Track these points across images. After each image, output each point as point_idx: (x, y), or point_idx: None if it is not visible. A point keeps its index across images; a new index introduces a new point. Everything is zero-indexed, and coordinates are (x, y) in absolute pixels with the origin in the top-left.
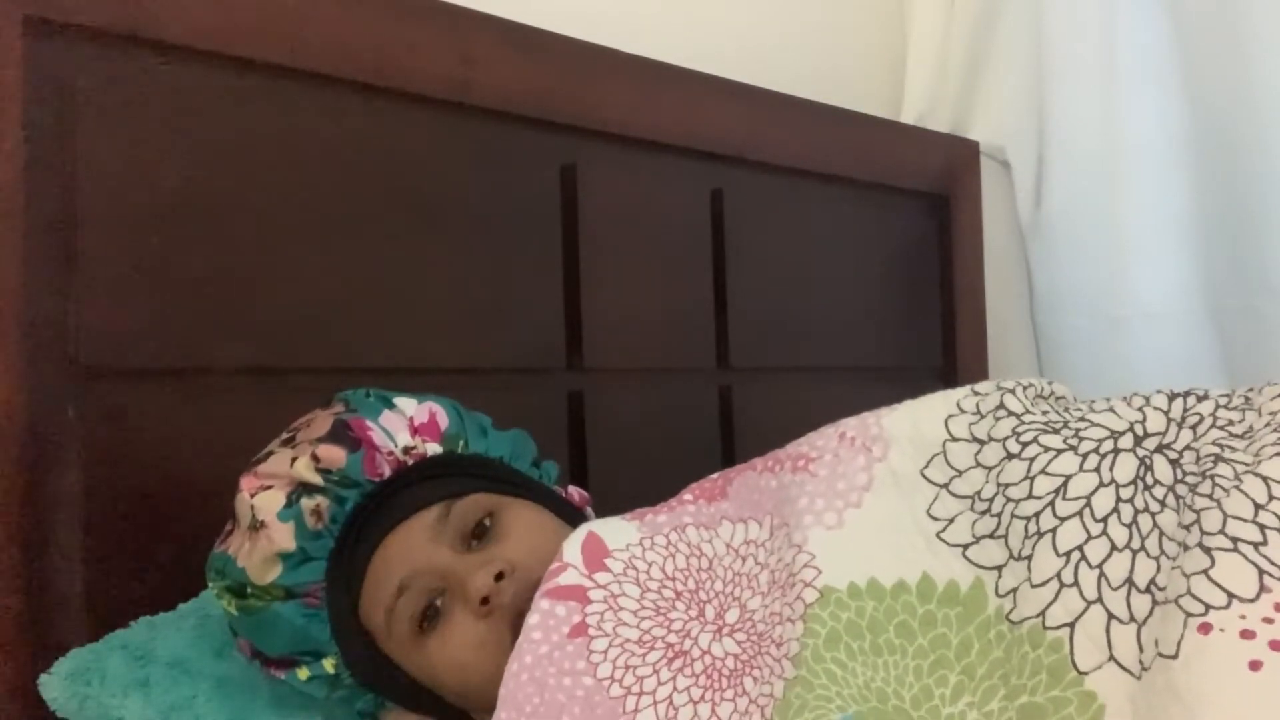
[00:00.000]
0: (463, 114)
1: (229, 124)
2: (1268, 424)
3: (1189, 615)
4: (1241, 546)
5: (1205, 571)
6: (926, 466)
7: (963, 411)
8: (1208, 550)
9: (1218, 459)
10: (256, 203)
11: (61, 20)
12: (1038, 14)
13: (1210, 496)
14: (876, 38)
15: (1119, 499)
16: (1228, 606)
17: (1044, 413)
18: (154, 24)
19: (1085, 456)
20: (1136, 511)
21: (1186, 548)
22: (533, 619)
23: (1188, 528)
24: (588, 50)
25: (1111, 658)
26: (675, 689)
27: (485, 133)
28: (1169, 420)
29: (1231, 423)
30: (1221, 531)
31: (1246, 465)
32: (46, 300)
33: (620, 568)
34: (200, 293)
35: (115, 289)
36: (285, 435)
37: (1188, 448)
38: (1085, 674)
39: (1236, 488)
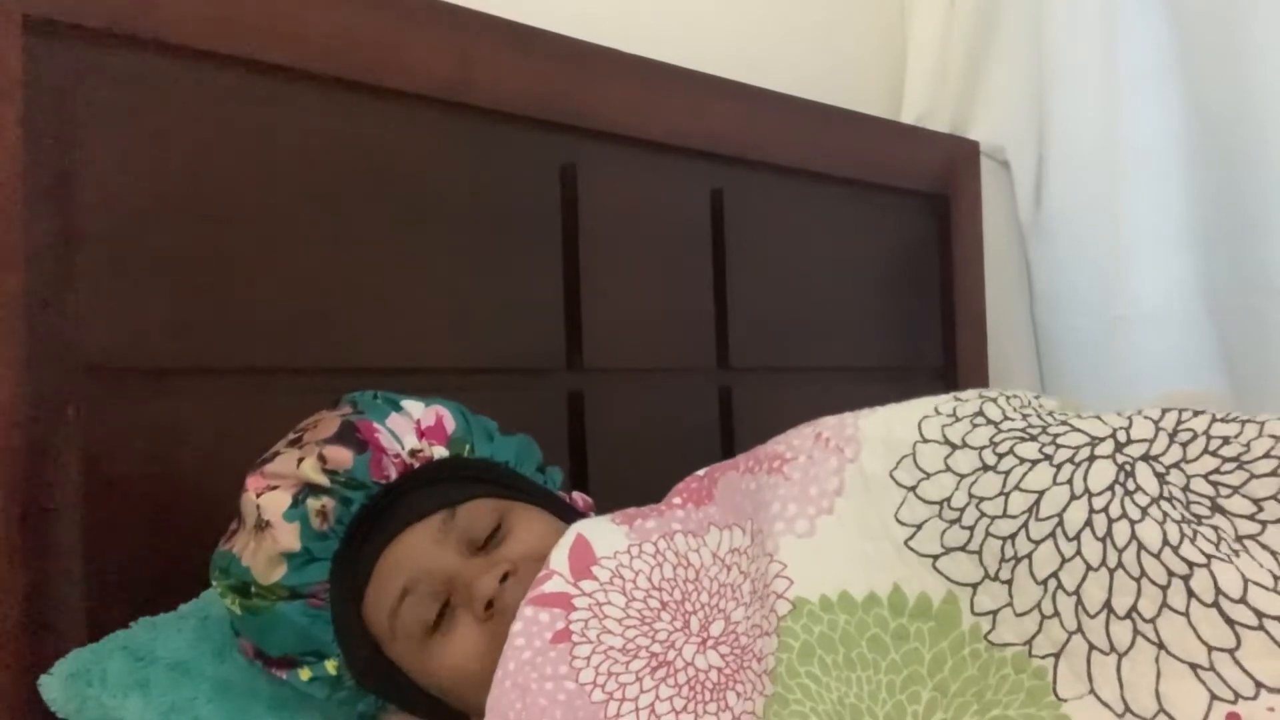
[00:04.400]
0: (463, 114)
1: (229, 124)
2: (1267, 452)
3: (1215, 698)
4: (1268, 624)
5: (1231, 652)
6: (895, 468)
7: (939, 414)
8: (1230, 622)
9: (1214, 506)
10: (256, 203)
11: (61, 20)
12: (1038, 14)
13: (1217, 547)
14: (876, 38)
15: (1091, 510)
16: (1255, 697)
17: (1024, 417)
18: (154, 24)
19: (1059, 467)
20: (1111, 521)
21: (1192, 594)
22: (516, 626)
23: (1191, 566)
24: (588, 50)
25: (1091, 691)
26: (658, 698)
27: (485, 133)
28: (1158, 429)
29: (1226, 440)
30: (1243, 600)
31: (1247, 518)
32: (46, 300)
33: (607, 576)
34: (200, 293)
35: (115, 289)
36: (292, 436)
37: (1176, 467)
38: (1064, 700)
39: (1246, 550)
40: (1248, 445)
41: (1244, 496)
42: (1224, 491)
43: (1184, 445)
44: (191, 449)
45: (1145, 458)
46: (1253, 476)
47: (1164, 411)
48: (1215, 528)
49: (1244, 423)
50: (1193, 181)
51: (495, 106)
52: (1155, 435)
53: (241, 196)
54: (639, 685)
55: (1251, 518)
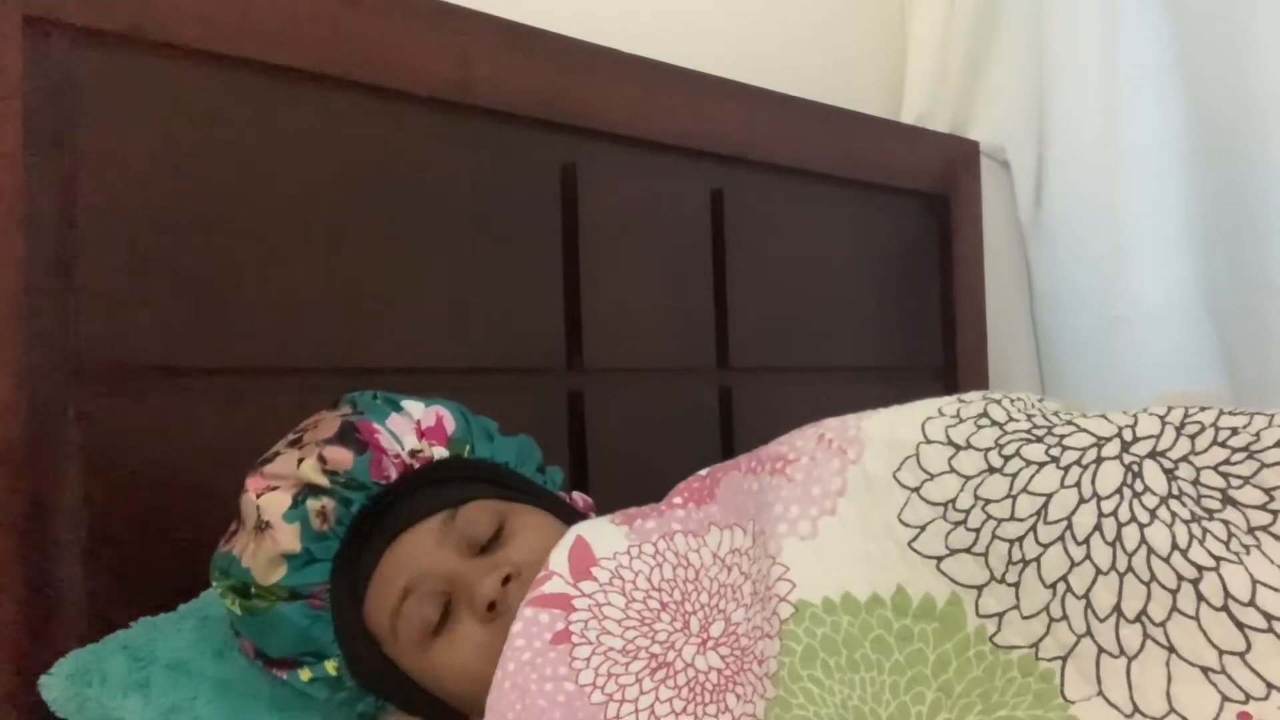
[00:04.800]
0: (463, 114)
1: (229, 124)
2: (1277, 441)
3: (1226, 699)
4: (1276, 626)
5: (1241, 655)
6: (899, 469)
7: (942, 415)
8: (1240, 625)
9: (1225, 498)
10: (256, 203)
11: (61, 20)
12: (1038, 14)
13: (1228, 545)
14: (876, 38)
15: (1100, 514)
16: (1266, 698)
17: (1029, 417)
18: (154, 24)
19: (1067, 470)
20: (1120, 525)
21: (1202, 598)
22: (516, 627)
23: (1200, 570)
24: (588, 50)
25: (1100, 692)
26: (657, 699)
27: (485, 133)
28: (1164, 424)
29: (1235, 431)
30: (1252, 603)
31: (1259, 508)
32: (46, 300)
33: (606, 577)
34: (200, 293)
35: (115, 289)
36: (292, 436)
37: (1185, 460)
38: (1072, 702)
39: (1257, 547)
40: (1257, 435)
41: (1255, 486)
42: (1235, 482)
43: (1192, 438)
44: (191, 449)
45: (1153, 454)
46: (1264, 466)
47: (1170, 408)
48: (1226, 522)
49: (1253, 415)
50: (1193, 181)
51: (495, 107)
52: (1162, 430)
53: (241, 196)
54: (639, 686)
55: (1263, 507)
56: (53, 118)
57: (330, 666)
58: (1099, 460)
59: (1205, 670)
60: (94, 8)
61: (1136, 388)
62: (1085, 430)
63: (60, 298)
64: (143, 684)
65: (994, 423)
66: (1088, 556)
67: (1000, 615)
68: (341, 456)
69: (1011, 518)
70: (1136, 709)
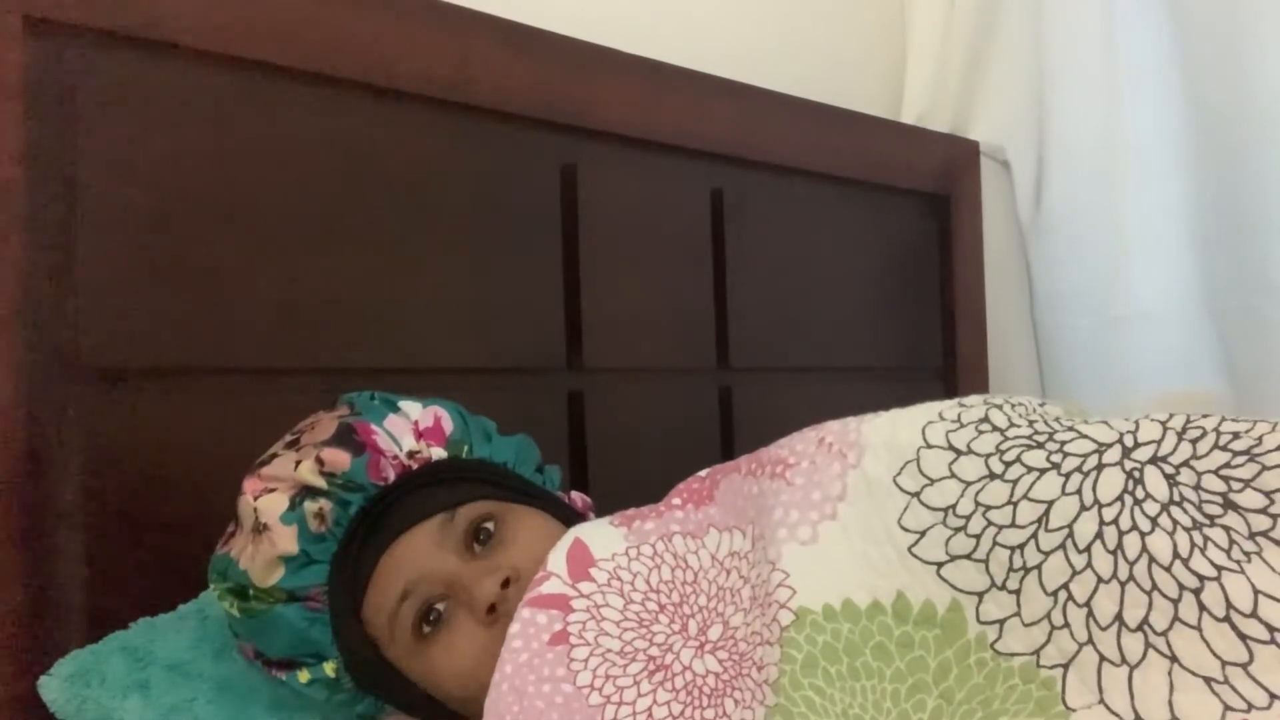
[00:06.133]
0: (463, 114)
1: (229, 124)
2: (1279, 446)
3: (1229, 708)
4: (1279, 638)
5: (1244, 666)
6: (899, 474)
7: (943, 419)
8: (1242, 637)
9: (1226, 502)
10: (256, 202)
11: (61, 20)
12: (1038, 14)
13: (1229, 553)
14: (876, 38)
15: (1101, 522)
16: (1269, 707)
17: (1030, 423)
18: (154, 24)
19: (1068, 477)
20: (1121, 534)
21: (1204, 608)
22: (514, 628)
23: (1202, 579)
24: (588, 50)
25: (1101, 700)
26: (655, 702)
27: (485, 133)
28: (1165, 429)
29: (1236, 436)
30: (1254, 614)
31: (1260, 512)
32: (46, 300)
33: (605, 578)
34: (200, 293)
35: (115, 289)
36: (289, 438)
37: (1186, 465)
38: (1073, 710)
39: (1258, 554)
40: (1259, 439)
41: (1256, 490)
42: (1236, 485)
43: (1193, 442)
44: (191, 449)
45: (1154, 460)
46: (1265, 469)
47: (1171, 414)
48: (1227, 528)
49: (1255, 421)
50: (1193, 181)
51: (495, 106)
52: (1163, 435)
53: (241, 196)
54: (636, 689)
55: (1264, 511)
56: (53, 118)
57: (329, 668)
58: (1100, 467)
59: (1208, 680)
60: (94, 8)
61: (1136, 388)
62: (1086, 436)
63: (60, 298)
64: (142, 684)
65: (995, 428)
66: (1089, 565)
67: (1001, 622)
68: (339, 458)
69: (1012, 524)
70: (1139, 717)
